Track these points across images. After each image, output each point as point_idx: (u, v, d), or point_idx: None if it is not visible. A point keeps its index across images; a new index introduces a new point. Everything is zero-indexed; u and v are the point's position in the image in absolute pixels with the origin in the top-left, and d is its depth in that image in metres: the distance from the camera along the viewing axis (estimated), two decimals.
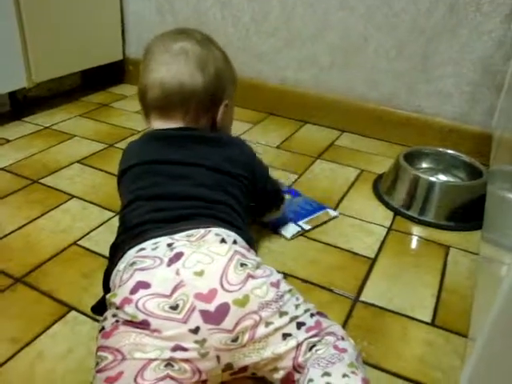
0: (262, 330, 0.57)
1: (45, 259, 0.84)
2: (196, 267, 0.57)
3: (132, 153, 0.79)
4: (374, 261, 0.89)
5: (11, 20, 1.27)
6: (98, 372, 0.53)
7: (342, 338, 0.59)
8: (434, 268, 0.89)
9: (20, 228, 0.92)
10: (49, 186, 1.07)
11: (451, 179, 1.14)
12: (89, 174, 1.13)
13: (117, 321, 0.56)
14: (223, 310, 0.55)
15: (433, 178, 1.03)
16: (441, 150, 1.18)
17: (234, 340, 0.56)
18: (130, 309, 0.55)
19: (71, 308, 0.74)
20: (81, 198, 1.03)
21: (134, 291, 0.56)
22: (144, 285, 0.56)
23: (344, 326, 0.74)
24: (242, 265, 0.60)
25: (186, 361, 0.54)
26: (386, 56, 1.34)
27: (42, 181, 1.09)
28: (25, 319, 0.72)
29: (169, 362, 0.53)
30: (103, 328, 0.57)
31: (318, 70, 1.45)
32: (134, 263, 0.59)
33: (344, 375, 0.54)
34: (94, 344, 0.66)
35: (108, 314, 0.58)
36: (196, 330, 0.54)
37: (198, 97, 0.77)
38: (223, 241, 0.62)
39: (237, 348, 0.56)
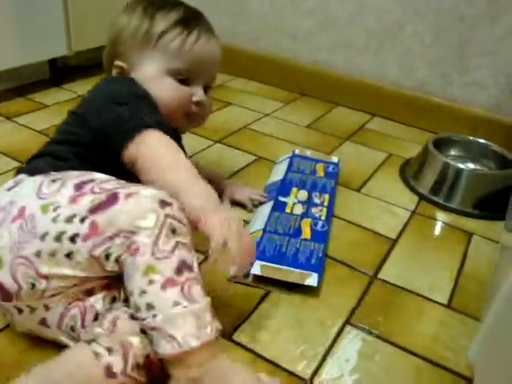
0: (40, 267, 0.55)
1: None
2: None
3: None
4: (395, 241, 0.90)
5: None
6: None
7: (133, 233, 0.53)
8: (455, 253, 0.89)
9: None
10: None
11: (479, 168, 1.13)
12: None
13: None
14: None
15: (461, 165, 1.03)
16: (471, 138, 1.17)
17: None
18: None
19: None
20: None
21: None
22: None
23: (360, 301, 0.76)
24: None
25: None
26: (421, 42, 1.33)
27: None
28: None
29: None
30: None
31: (351, 53, 1.44)
32: None
33: (142, 292, 0.52)
34: None
35: None
36: None
37: (106, 48, 0.81)
38: None
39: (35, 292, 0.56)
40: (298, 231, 0.86)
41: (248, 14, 1.57)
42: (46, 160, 0.67)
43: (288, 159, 1.09)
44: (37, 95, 1.37)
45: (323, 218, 0.91)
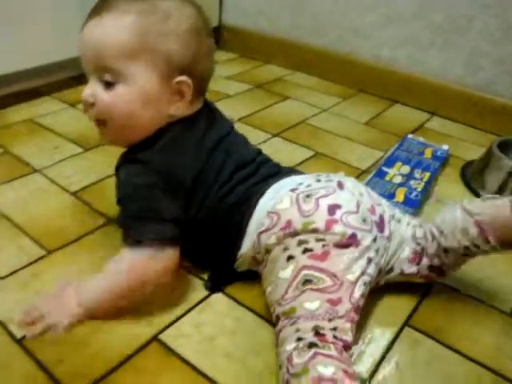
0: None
1: None
2: (356, 190, 0.68)
3: None
4: None
5: None
6: (316, 290, 0.59)
7: None
8: None
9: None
10: None
11: None
12: None
13: (324, 245, 0.61)
14: (382, 220, 0.67)
15: None
16: None
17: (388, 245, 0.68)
18: (339, 227, 0.62)
19: None
20: None
21: (332, 213, 0.63)
22: (336, 206, 0.64)
23: (420, 303, 0.74)
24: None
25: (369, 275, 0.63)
26: (490, 38, 1.28)
27: None
28: None
29: (364, 281, 0.62)
30: (310, 249, 0.61)
31: (415, 49, 1.41)
32: (309, 195, 0.65)
33: None
34: None
35: (309, 238, 0.62)
36: (375, 239, 0.65)
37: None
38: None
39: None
40: (392, 195, 0.95)
41: (310, 8, 1.56)
42: None
43: (400, 140, 1.18)
44: None
45: (419, 189, 0.97)
